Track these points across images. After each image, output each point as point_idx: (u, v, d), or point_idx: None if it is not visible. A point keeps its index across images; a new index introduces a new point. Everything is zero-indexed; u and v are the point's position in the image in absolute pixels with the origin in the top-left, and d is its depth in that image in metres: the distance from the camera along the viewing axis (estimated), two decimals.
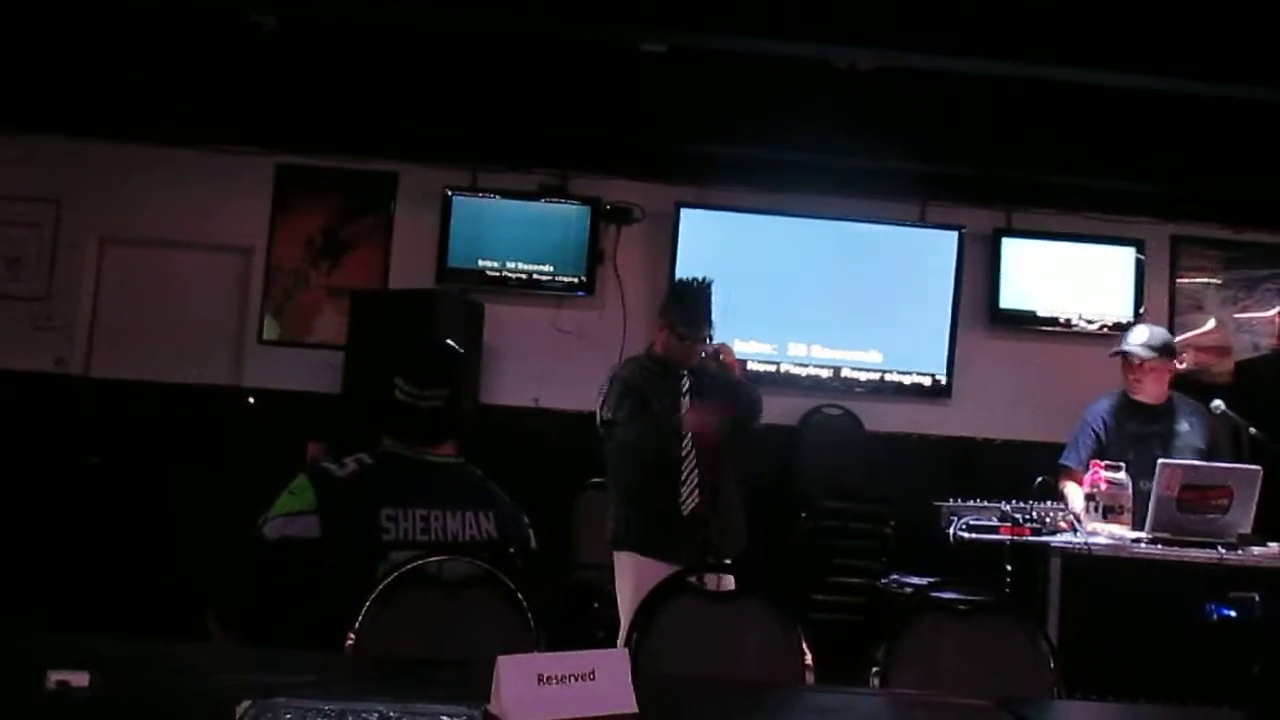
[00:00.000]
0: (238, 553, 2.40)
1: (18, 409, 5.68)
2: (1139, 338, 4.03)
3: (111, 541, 5.43)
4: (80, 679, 1.58)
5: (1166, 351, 4.01)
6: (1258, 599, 3.38)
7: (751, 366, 5.63)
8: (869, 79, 4.96)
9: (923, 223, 6.03)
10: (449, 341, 2.98)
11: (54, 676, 1.57)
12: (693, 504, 3.69)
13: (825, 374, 5.89)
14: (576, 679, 1.64)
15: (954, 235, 5.94)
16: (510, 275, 5.87)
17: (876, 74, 4.91)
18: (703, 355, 3.83)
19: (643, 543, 3.70)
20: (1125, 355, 4.02)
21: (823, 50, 4.66)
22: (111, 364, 5.91)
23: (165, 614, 3.18)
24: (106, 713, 1.55)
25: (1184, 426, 4.01)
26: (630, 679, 1.67)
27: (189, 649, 2.12)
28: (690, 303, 3.78)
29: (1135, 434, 4.01)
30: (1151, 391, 4.02)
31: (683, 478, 3.69)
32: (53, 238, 5.91)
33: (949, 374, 5.91)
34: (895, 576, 4.52)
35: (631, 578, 3.67)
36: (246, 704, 1.46)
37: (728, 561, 3.60)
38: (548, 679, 1.61)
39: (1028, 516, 3.77)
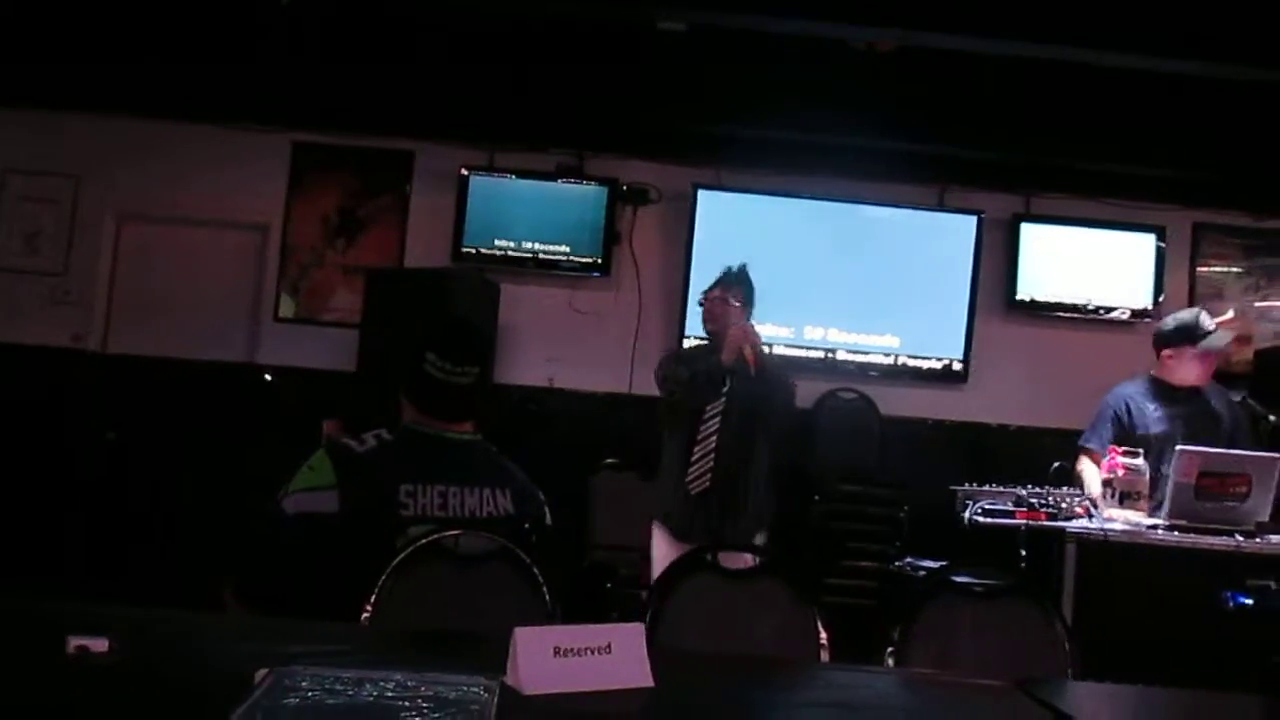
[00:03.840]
0: (256, 527, 2.41)
1: (35, 384, 5.71)
2: (1211, 324, 3.94)
3: (127, 516, 5.46)
4: (100, 645, 1.59)
5: None
6: (1275, 587, 3.35)
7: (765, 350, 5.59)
8: (888, 60, 4.93)
9: (941, 207, 5.99)
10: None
11: (74, 642, 1.59)
12: (703, 485, 3.70)
13: (841, 357, 5.88)
14: (593, 652, 1.64)
15: (972, 220, 5.91)
16: (526, 255, 5.86)
17: (896, 55, 4.88)
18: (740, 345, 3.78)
19: (662, 515, 3.78)
20: (1225, 348, 3.96)
21: (842, 30, 4.63)
22: (128, 340, 5.93)
23: (181, 589, 3.20)
24: (126, 678, 1.55)
25: (1210, 410, 3.98)
26: (646, 653, 1.67)
27: (207, 618, 2.13)
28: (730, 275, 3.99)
29: (1161, 415, 3.97)
30: (1210, 377, 4.01)
31: (693, 457, 3.70)
32: (70, 213, 5.93)
33: (965, 359, 5.88)
34: (909, 560, 4.50)
35: (657, 550, 3.76)
36: (264, 672, 1.46)
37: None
38: (564, 651, 1.62)
39: (1043, 502, 3.74)
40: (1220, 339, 3.95)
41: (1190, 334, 3.95)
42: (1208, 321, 3.96)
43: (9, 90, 5.56)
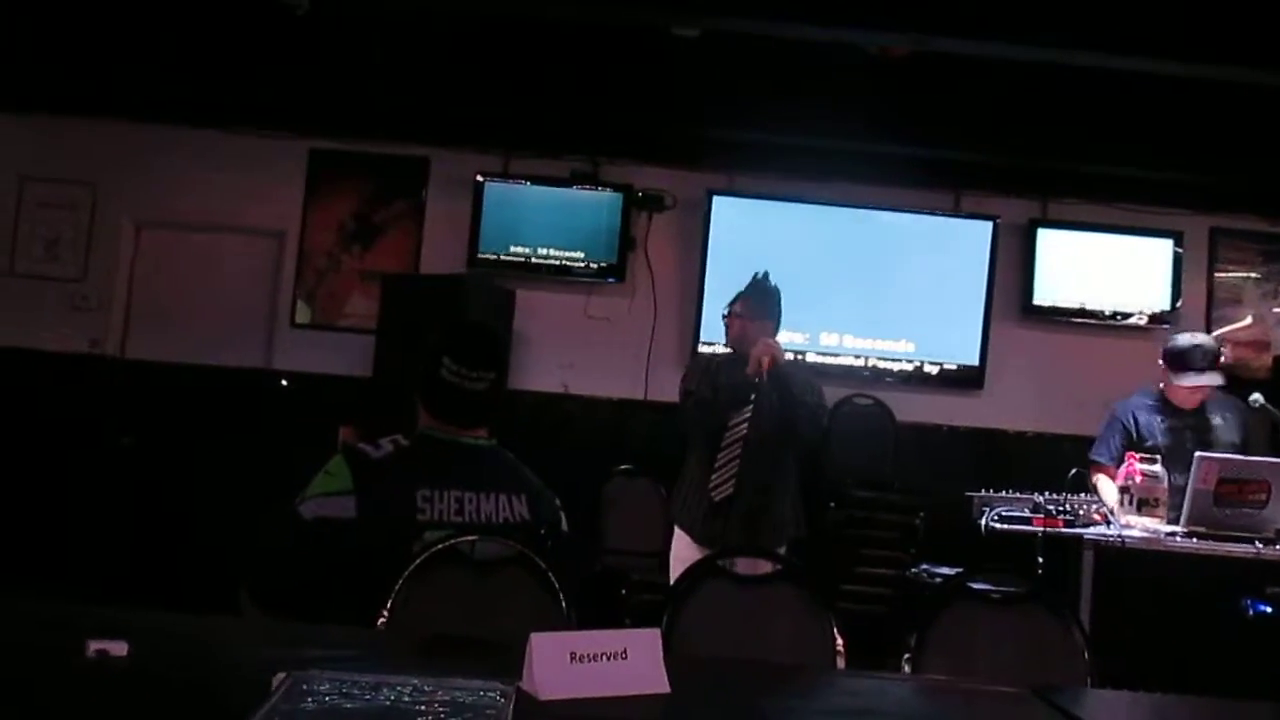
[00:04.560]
0: (273, 532, 2.42)
1: (54, 389, 5.75)
2: (1203, 360, 3.86)
3: (145, 521, 5.49)
4: (119, 648, 1.60)
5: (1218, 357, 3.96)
6: None
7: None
8: (903, 65, 4.92)
9: (957, 212, 5.98)
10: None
11: (94, 645, 1.59)
12: (725, 492, 3.69)
13: (857, 364, 5.87)
14: (609, 658, 1.64)
15: (988, 225, 5.90)
16: (541, 261, 5.88)
17: (910, 60, 4.87)
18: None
19: (684, 521, 3.78)
20: (1195, 383, 3.89)
21: (856, 35, 4.62)
22: (146, 346, 5.97)
23: (198, 593, 3.21)
24: (145, 681, 1.56)
25: (1218, 421, 3.95)
26: (662, 659, 1.67)
27: (226, 622, 2.13)
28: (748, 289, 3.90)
29: (1168, 429, 3.96)
30: (1202, 399, 3.96)
31: (717, 464, 3.70)
32: (89, 220, 5.98)
33: (981, 365, 5.87)
34: (925, 567, 4.49)
35: (676, 553, 3.77)
36: (282, 675, 1.47)
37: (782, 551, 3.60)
38: (580, 657, 1.61)
39: (1061, 508, 3.73)
40: (1193, 379, 3.89)
41: (1176, 361, 3.94)
42: (1198, 356, 3.88)
43: (28, 98, 5.61)
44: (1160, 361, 4.03)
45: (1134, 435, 3.99)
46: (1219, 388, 3.97)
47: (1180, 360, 3.93)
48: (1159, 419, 3.99)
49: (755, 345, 3.70)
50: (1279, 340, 5.98)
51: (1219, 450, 3.82)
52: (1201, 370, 3.88)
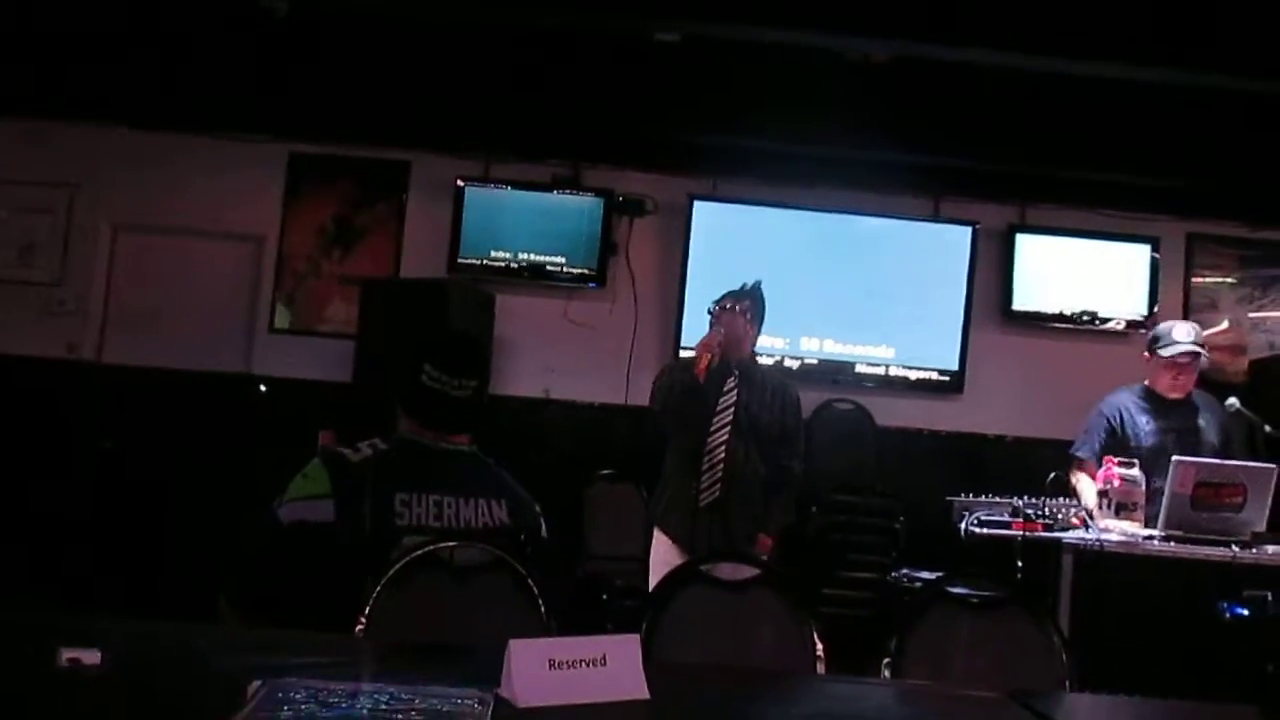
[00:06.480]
0: (251, 536, 2.40)
1: (30, 394, 5.70)
2: (1187, 334, 3.96)
3: (123, 527, 5.44)
4: (92, 657, 1.58)
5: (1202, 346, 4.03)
6: (1271, 598, 3.35)
7: (763, 360, 5.59)
8: (883, 71, 4.94)
9: (936, 217, 6.01)
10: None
11: (66, 654, 1.57)
12: (712, 496, 3.69)
13: (836, 368, 5.88)
14: (588, 664, 1.63)
15: (967, 230, 5.92)
16: (522, 266, 5.87)
17: (891, 66, 4.89)
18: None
19: (667, 525, 3.78)
20: (1179, 356, 3.93)
21: (837, 42, 4.64)
22: (123, 350, 5.92)
23: (176, 599, 3.19)
24: (118, 690, 1.55)
25: (1201, 422, 3.99)
26: (641, 665, 1.66)
27: (200, 630, 2.11)
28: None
29: (1152, 429, 3.98)
30: (1187, 387, 4.01)
31: (704, 468, 3.69)
32: (66, 223, 5.93)
33: (961, 370, 5.89)
34: (905, 571, 4.50)
35: (656, 555, 3.76)
36: (258, 684, 1.46)
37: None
38: (559, 664, 1.61)
39: (1040, 512, 3.75)
40: (1179, 347, 3.95)
41: (1160, 339, 4.03)
42: (1176, 333, 3.98)
43: (4, 100, 5.56)
44: (1145, 354, 4.08)
45: (1119, 433, 4.01)
46: (1201, 387, 4.02)
47: (1164, 335, 4.02)
48: (1145, 419, 4.01)
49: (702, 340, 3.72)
50: (1255, 344, 6.03)
51: (1203, 452, 3.86)
52: (1186, 339, 3.94)
